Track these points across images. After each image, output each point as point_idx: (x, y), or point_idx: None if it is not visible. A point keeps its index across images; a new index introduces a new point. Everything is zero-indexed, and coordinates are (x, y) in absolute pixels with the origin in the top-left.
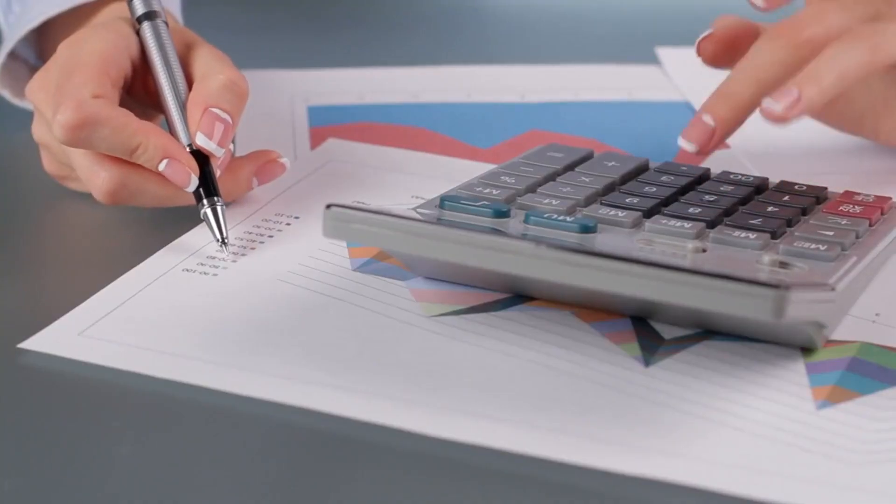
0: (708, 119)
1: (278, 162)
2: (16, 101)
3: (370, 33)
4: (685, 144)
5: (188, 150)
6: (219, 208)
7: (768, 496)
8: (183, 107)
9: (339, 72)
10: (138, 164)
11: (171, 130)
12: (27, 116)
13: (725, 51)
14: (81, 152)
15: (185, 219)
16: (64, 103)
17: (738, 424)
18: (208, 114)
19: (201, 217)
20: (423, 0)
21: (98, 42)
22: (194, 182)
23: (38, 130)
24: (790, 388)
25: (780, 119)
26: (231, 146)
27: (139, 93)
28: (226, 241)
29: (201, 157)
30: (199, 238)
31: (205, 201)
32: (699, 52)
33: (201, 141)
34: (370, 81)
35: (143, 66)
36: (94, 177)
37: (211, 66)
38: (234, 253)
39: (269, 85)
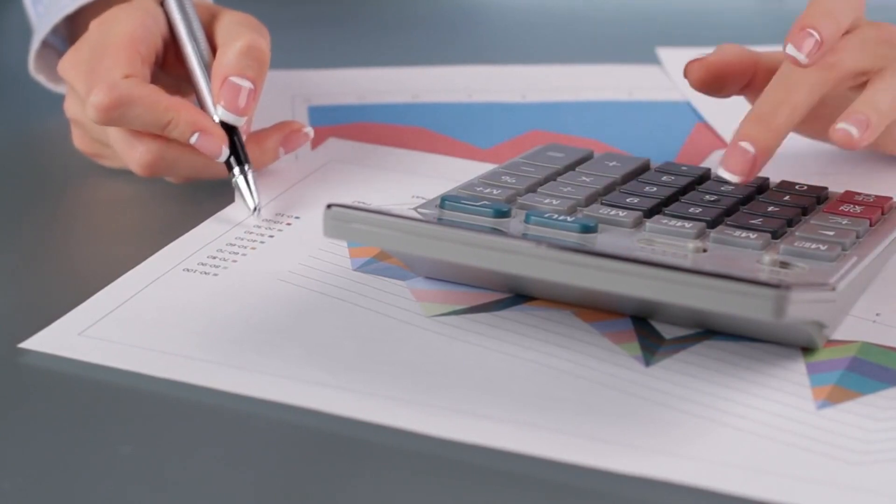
0: (747, 146)
1: (302, 131)
2: (51, 87)
3: (370, 33)
4: (726, 175)
5: (217, 121)
6: (249, 176)
7: (768, 496)
8: (209, 78)
9: (339, 72)
10: (172, 139)
11: (200, 103)
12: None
13: (714, 78)
14: (117, 129)
15: (184, 218)
16: (97, 85)
17: (738, 424)
18: (227, 84)
19: (233, 186)
20: (422, 0)
21: (127, 22)
22: (225, 152)
23: (70, 107)
24: (790, 388)
25: (854, 145)
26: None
27: (171, 68)
28: (258, 207)
29: (229, 127)
30: (198, 238)
31: (235, 170)
32: (686, 75)
33: (222, 114)
34: (370, 81)
35: (173, 42)
36: (132, 151)
37: (230, 32)
38: (267, 220)
39: (270, 85)
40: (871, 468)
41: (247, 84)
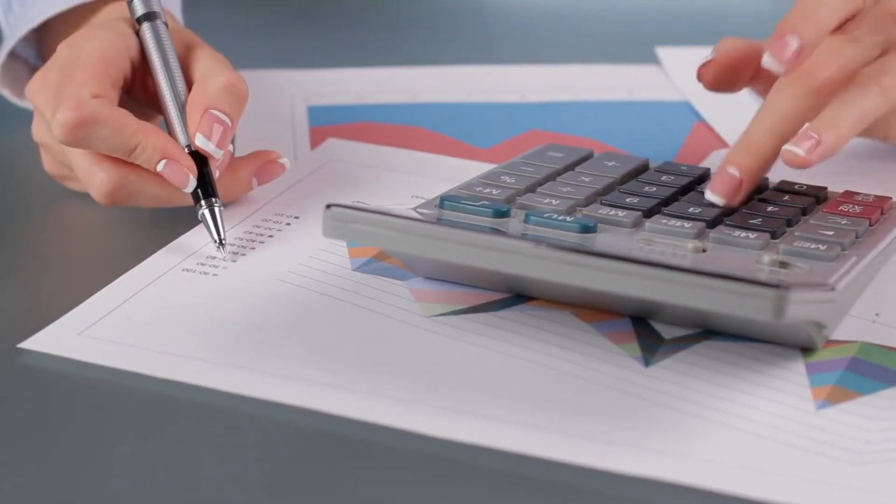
0: (733, 171)
1: (278, 162)
2: (16, 101)
3: (370, 33)
4: (713, 198)
5: (187, 151)
6: (216, 209)
7: (768, 496)
8: (182, 108)
9: (339, 72)
10: (137, 165)
11: (170, 131)
12: (27, 116)
13: (727, 76)
14: (80, 152)
15: (184, 219)
16: (64, 103)
17: (738, 424)
18: (208, 115)
19: (199, 218)
20: (423, 0)
21: (98, 42)
22: (192, 183)
23: (38, 130)
24: (790, 388)
25: (802, 163)
26: (230, 147)
27: (139, 93)
28: (223, 242)
29: (200, 159)
30: (198, 238)
31: (202, 202)
32: (700, 78)
33: (200, 142)
34: (370, 81)
35: (142, 67)
36: (93, 177)
37: (211, 67)
38: (232, 253)
39: (269, 85)
40: (871, 468)
41: (225, 118)
